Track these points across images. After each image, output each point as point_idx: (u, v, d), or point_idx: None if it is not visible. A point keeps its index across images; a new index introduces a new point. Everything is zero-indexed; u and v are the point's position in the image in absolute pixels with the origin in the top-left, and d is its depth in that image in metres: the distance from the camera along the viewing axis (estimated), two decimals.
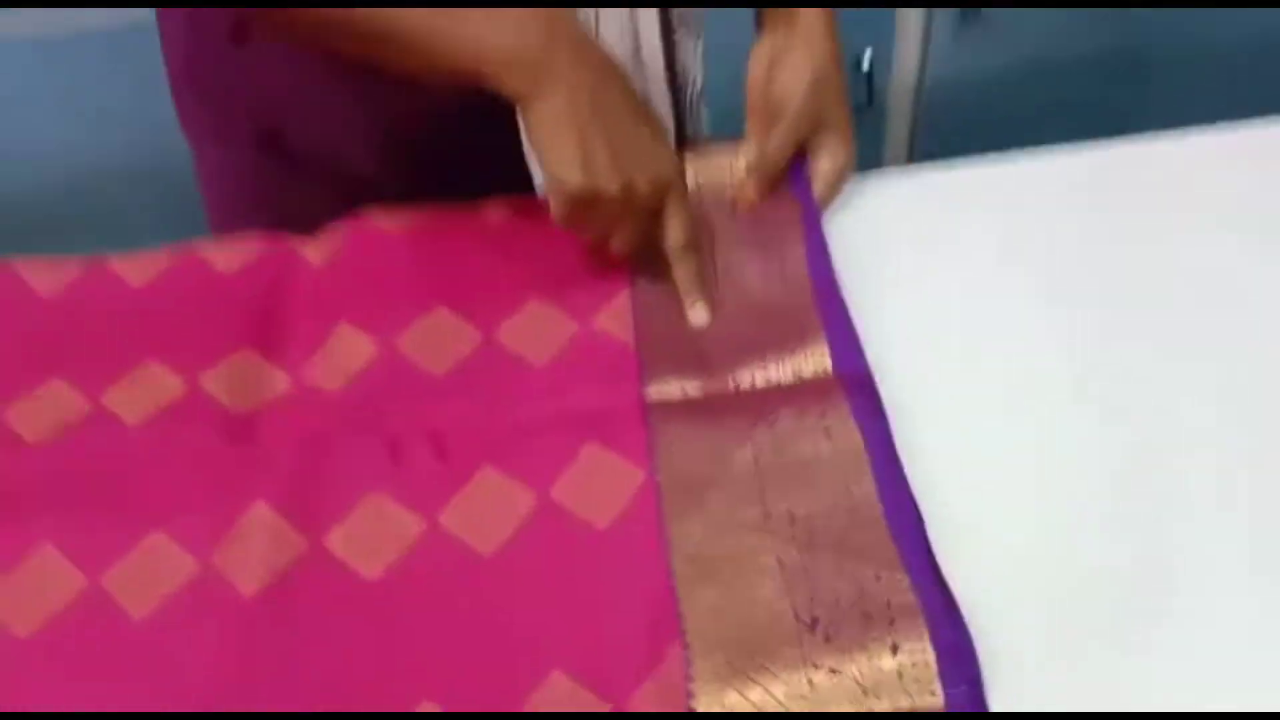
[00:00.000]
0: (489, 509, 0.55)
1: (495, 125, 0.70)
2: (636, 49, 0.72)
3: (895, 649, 0.47)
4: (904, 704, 0.46)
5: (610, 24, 0.70)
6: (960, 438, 0.57)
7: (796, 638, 0.48)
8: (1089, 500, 0.55)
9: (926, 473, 0.54)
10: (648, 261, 0.66)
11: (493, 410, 0.60)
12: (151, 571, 0.55)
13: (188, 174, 0.92)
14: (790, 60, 0.71)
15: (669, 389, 0.60)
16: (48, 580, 0.55)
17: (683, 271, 0.65)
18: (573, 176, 0.61)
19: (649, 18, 0.71)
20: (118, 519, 0.57)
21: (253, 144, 0.79)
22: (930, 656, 0.47)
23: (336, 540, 0.55)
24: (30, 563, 0.56)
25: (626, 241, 0.65)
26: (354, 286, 0.68)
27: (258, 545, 0.55)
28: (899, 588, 0.49)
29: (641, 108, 0.65)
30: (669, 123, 0.75)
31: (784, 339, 0.61)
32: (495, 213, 0.71)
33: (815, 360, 0.60)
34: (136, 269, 0.71)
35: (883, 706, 0.46)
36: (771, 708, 0.47)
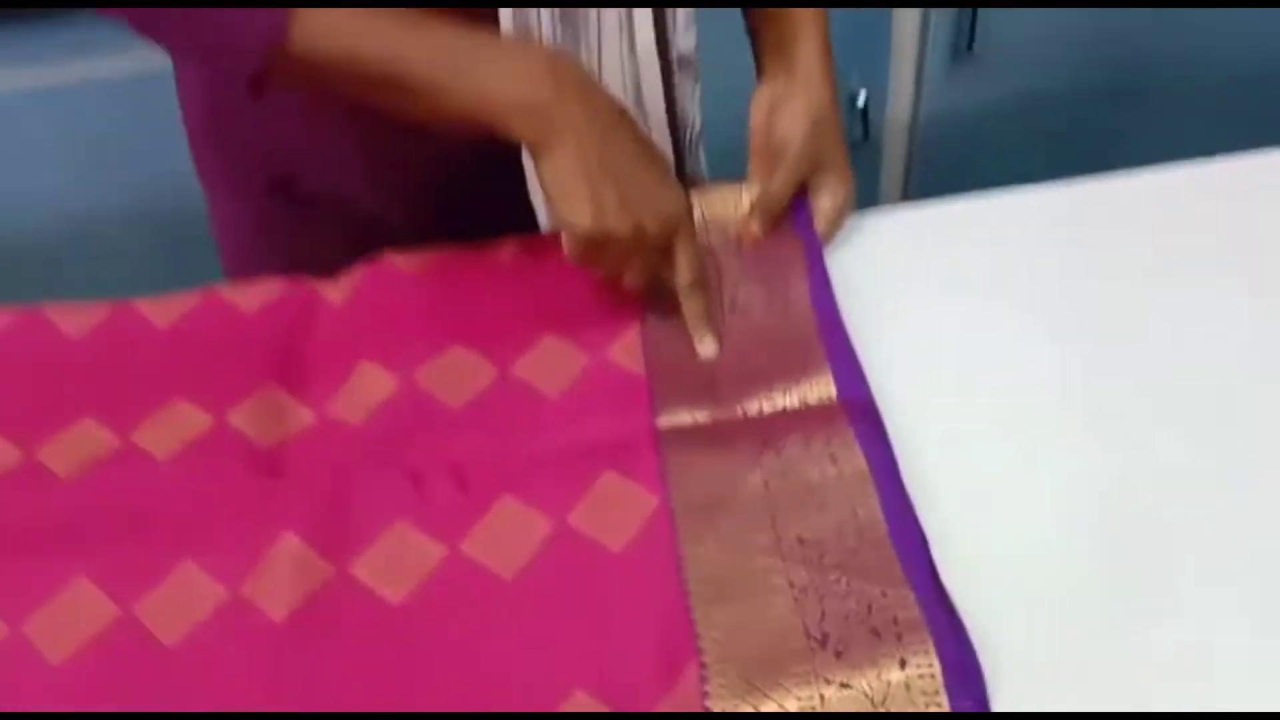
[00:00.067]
0: (509, 535, 0.57)
1: (504, 169, 0.72)
2: (638, 93, 0.74)
3: (903, 663, 0.49)
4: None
5: (612, 69, 0.72)
6: (960, 460, 0.59)
7: (808, 654, 0.50)
8: (1082, 516, 0.57)
9: (928, 494, 0.56)
10: (657, 297, 0.68)
11: (510, 441, 0.62)
12: (182, 600, 0.57)
13: (192, 220, 0.95)
14: (790, 106, 0.74)
15: (680, 418, 0.62)
16: (80, 610, 0.57)
17: (691, 307, 0.67)
18: (584, 220, 0.63)
19: (650, 64, 0.73)
20: (148, 550, 0.59)
21: (266, 191, 0.81)
22: (937, 669, 0.49)
23: (362, 567, 0.57)
24: (64, 594, 0.57)
25: (637, 278, 0.67)
26: (373, 325, 0.70)
27: (285, 573, 0.56)
28: (905, 604, 0.51)
29: (649, 149, 0.67)
30: (669, 163, 0.77)
31: (790, 368, 0.63)
32: (508, 252, 0.74)
33: (820, 388, 0.62)
34: (161, 311, 0.73)
35: None
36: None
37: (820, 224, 0.73)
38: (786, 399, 0.62)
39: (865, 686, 0.49)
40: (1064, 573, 0.55)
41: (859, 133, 1.44)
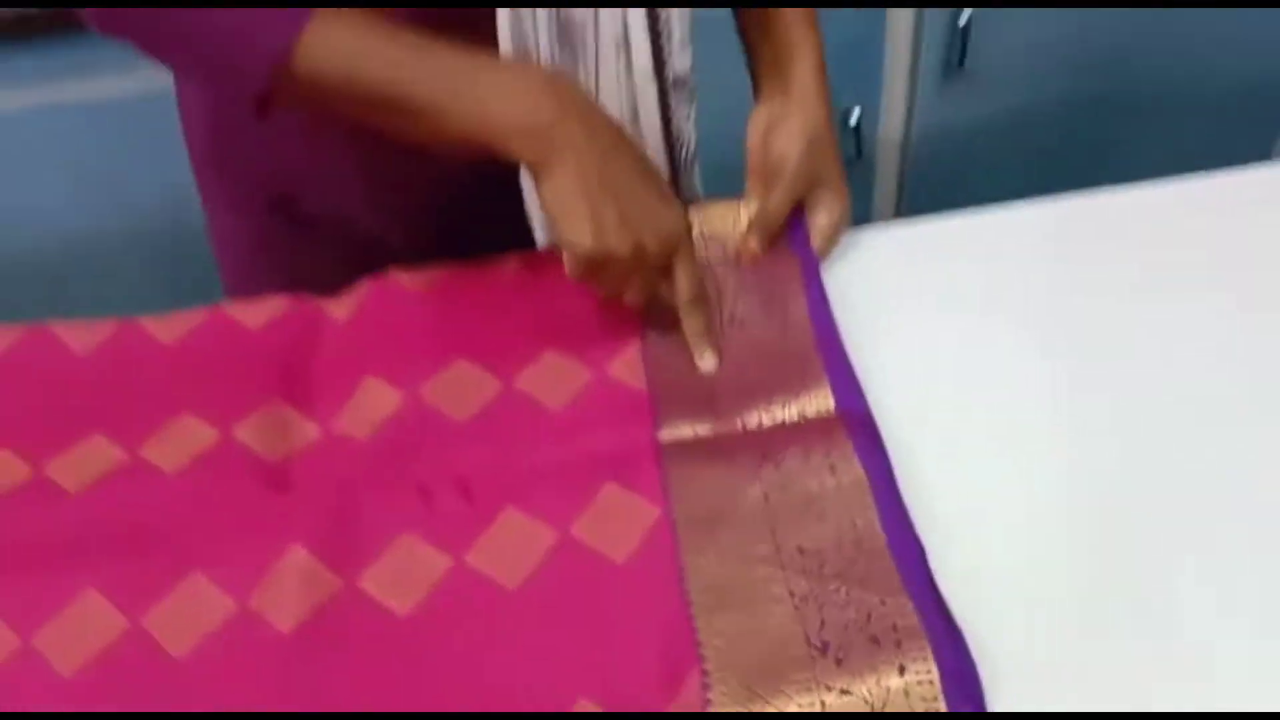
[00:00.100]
0: (513, 546, 0.58)
1: (503, 190, 0.73)
2: (635, 113, 0.75)
3: (902, 670, 0.50)
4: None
5: (610, 90, 0.73)
6: (955, 471, 0.61)
7: (809, 662, 0.51)
8: (1076, 525, 0.58)
9: (925, 505, 0.57)
10: (658, 312, 0.69)
11: (514, 454, 0.63)
12: (190, 612, 0.57)
13: (193, 239, 0.95)
14: (786, 125, 0.75)
15: (680, 431, 0.63)
16: (90, 622, 0.57)
17: (692, 323, 0.68)
18: (585, 240, 0.63)
19: (646, 85, 0.74)
20: (157, 563, 0.59)
21: (267, 209, 0.82)
22: (935, 676, 0.50)
23: (369, 580, 0.58)
24: (73, 607, 0.58)
25: (637, 295, 0.68)
26: (378, 341, 0.71)
27: (293, 586, 0.57)
28: (904, 612, 0.52)
29: (648, 169, 0.68)
30: (667, 182, 0.78)
31: (789, 382, 0.65)
32: (510, 268, 0.75)
33: (818, 401, 0.63)
34: (166, 327, 0.74)
35: None
36: None
37: (817, 240, 0.74)
38: (785, 412, 0.63)
39: (865, 693, 0.50)
40: (1059, 581, 0.56)
41: (852, 150, 1.45)
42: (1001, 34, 1.43)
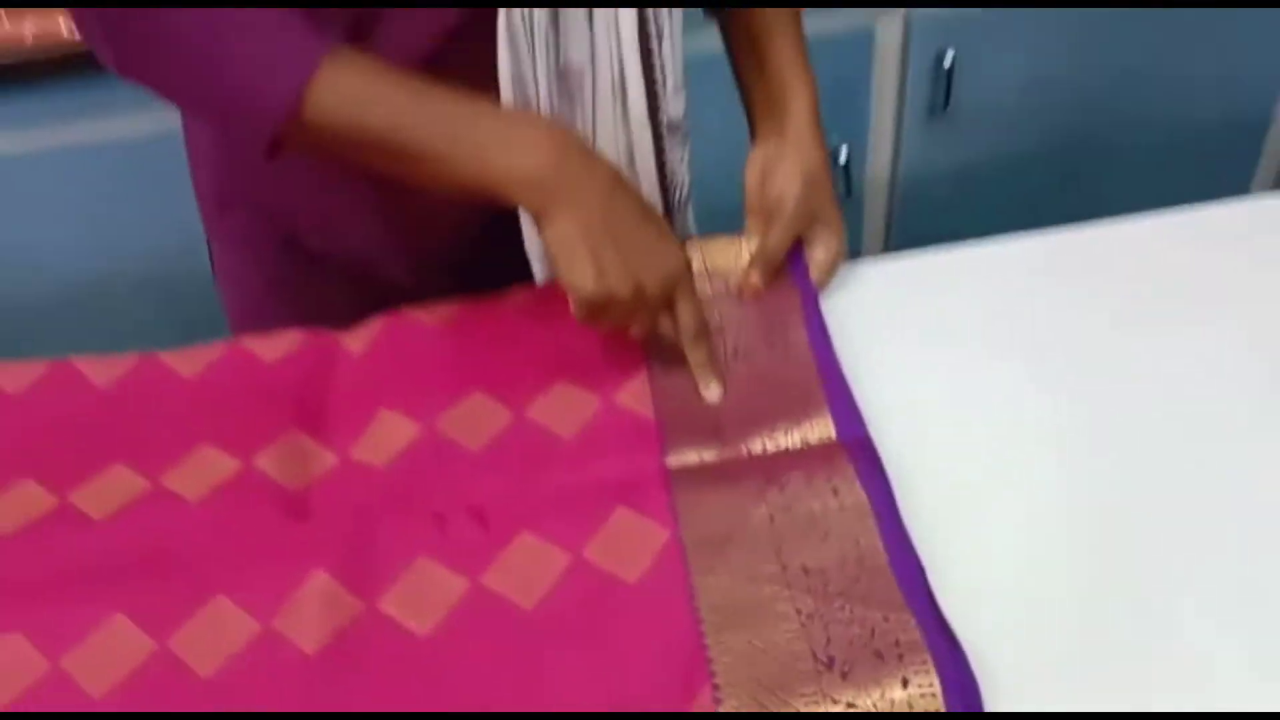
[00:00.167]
0: (528, 569, 0.60)
1: (511, 226, 0.76)
2: (630, 156, 0.77)
3: (905, 682, 0.52)
4: None
5: (606, 134, 0.76)
6: (952, 493, 0.63)
7: (815, 676, 0.53)
8: (1069, 543, 0.61)
9: (924, 525, 0.60)
10: (662, 346, 0.72)
11: (527, 482, 0.66)
12: (216, 634, 0.59)
13: (199, 281, 0.97)
14: (783, 167, 0.78)
15: (688, 457, 0.66)
16: (118, 645, 0.59)
17: (695, 355, 0.70)
18: (587, 284, 0.65)
19: (641, 129, 0.76)
20: (182, 587, 0.61)
21: (275, 247, 0.84)
22: (937, 688, 0.52)
23: (389, 602, 0.60)
24: (101, 630, 0.59)
25: (642, 331, 0.70)
26: (392, 374, 0.73)
27: (316, 608, 0.59)
28: (906, 627, 0.54)
29: (647, 210, 0.70)
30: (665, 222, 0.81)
31: (791, 410, 0.67)
32: (519, 302, 0.77)
33: (820, 428, 0.66)
34: (185, 361, 0.76)
35: None
36: None
37: (815, 274, 0.77)
38: (788, 439, 0.66)
39: (870, 705, 0.52)
40: (1053, 596, 0.58)
41: (841, 188, 1.48)
42: (984, 76, 1.47)
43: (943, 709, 0.52)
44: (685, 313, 0.69)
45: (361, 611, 0.60)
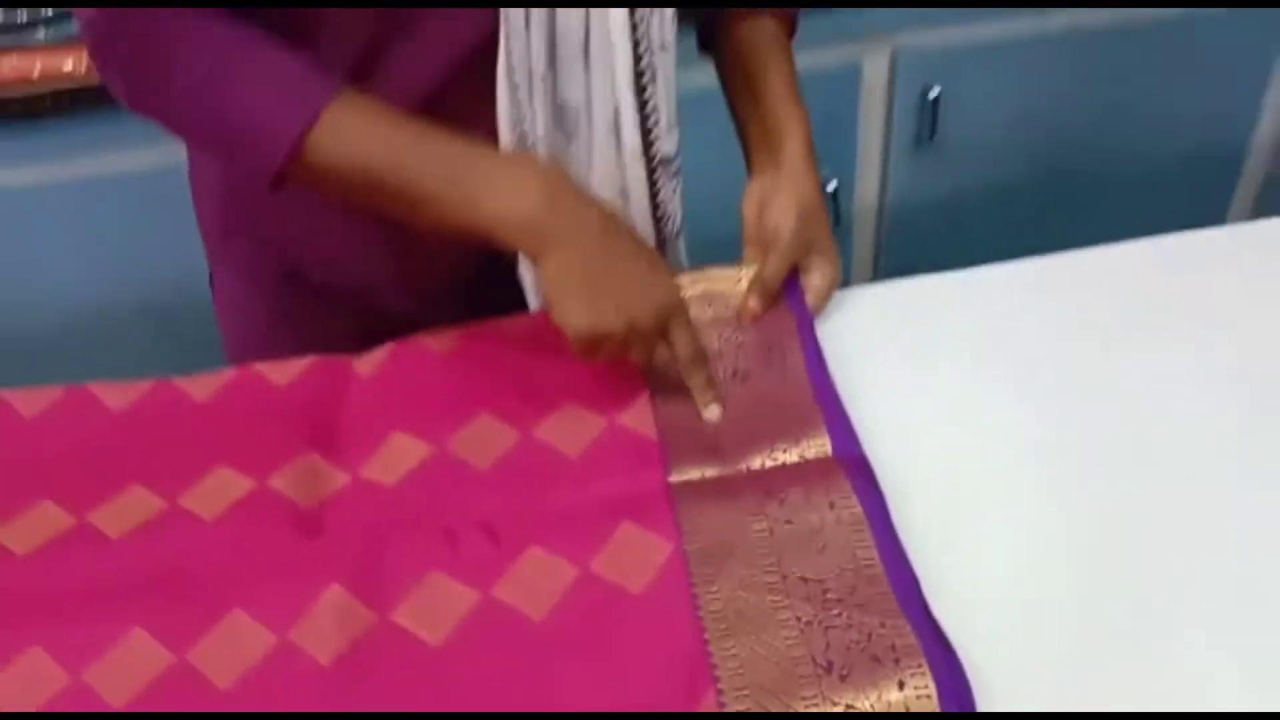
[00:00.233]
0: (537, 581, 0.62)
1: (510, 259, 0.79)
2: (624, 190, 0.80)
3: (901, 685, 0.55)
4: None
5: (602, 169, 0.78)
6: (942, 505, 0.66)
7: (816, 679, 0.56)
8: (1055, 549, 0.64)
9: (916, 537, 0.62)
10: (662, 373, 0.74)
11: (535, 498, 0.68)
12: (234, 647, 0.61)
13: (199, 315, 0.98)
14: (779, 199, 0.80)
15: (689, 475, 0.68)
16: (138, 658, 0.60)
17: (694, 380, 0.72)
18: (581, 323, 0.68)
19: (635, 164, 0.79)
20: (199, 602, 0.63)
21: (277, 278, 0.86)
22: (932, 690, 0.54)
23: (402, 613, 0.62)
24: (121, 644, 0.61)
25: (640, 360, 0.72)
26: (402, 397, 0.75)
27: (330, 621, 0.61)
28: (901, 633, 0.57)
29: (638, 245, 0.71)
30: (658, 255, 0.82)
31: (789, 429, 0.70)
32: (523, 328, 0.80)
33: (817, 446, 0.68)
34: (198, 385, 0.78)
35: None
36: None
37: (811, 300, 0.80)
38: (787, 456, 0.68)
39: (868, 706, 0.54)
40: (1042, 603, 0.61)
41: (831, 218, 1.51)
42: (968, 110, 1.50)
43: (938, 710, 0.54)
44: (680, 341, 0.71)
45: (375, 623, 0.61)
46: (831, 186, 1.48)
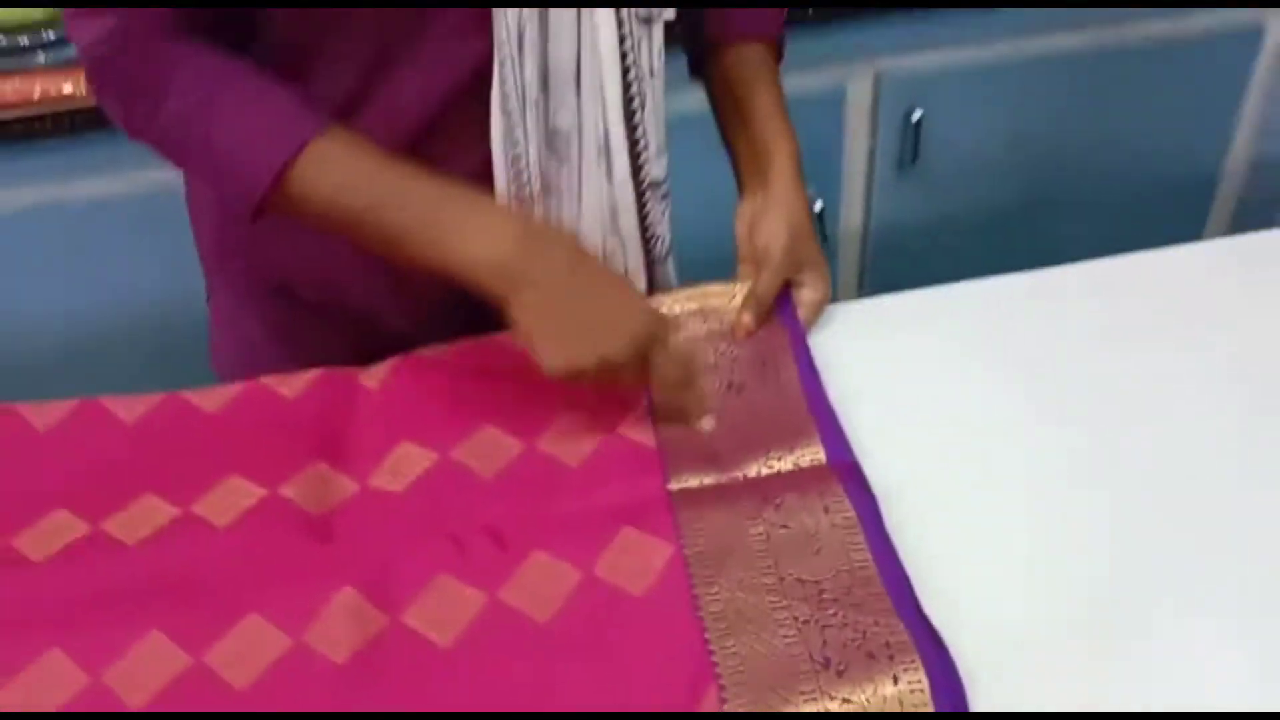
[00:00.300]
0: (542, 584, 0.64)
1: None
2: (614, 214, 0.82)
3: (896, 679, 0.57)
4: None
5: (592, 193, 0.80)
6: (932, 509, 0.69)
7: (813, 675, 0.58)
8: (1043, 548, 0.66)
9: (908, 540, 0.65)
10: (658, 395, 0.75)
11: (539, 506, 0.70)
12: (249, 648, 0.62)
13: (190, 336, 1.00)
14: (769, 219, 0.83)
15: (688, 482, 0.71)
16: (156, 660, 0.62)
17: (683, 401, 0.74)
18: (557, 364, 0.69)
19: (625, 188, 0.81)
20: (214, 606, 0.64)
21: (274, 298, 0.87)
22: (925, 684, 0.57)
23: (412, 615, 0.64)
24: (139, 647, 0.62)
25: (626, 386, 0.74)
26: (407, 409, 0.77)
27: (343, 622, 0.63)
28: (895, 630, 0.59)
29: (610, 280, 0.73)
30: (641, 275, 0.85)
31: (784, 438, 0.72)
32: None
33: (811, 454, 0.71)
34: (208, 398, 0.80)
35: None
36: None
37: (803, 314, 0.83)
38: (782, 463, 0.71)
39: (864, 700, 0.57)
40: (1030, 600, 0.64)
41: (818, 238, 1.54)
42: (950, 133, 1.53)
43: (930, 703, 0.56)
44: (662, 367, 0.72)
45: (386, 625, 0.63)
46: (817, 208, 1.51)
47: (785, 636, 0.60)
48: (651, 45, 0.78)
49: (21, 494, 0.73)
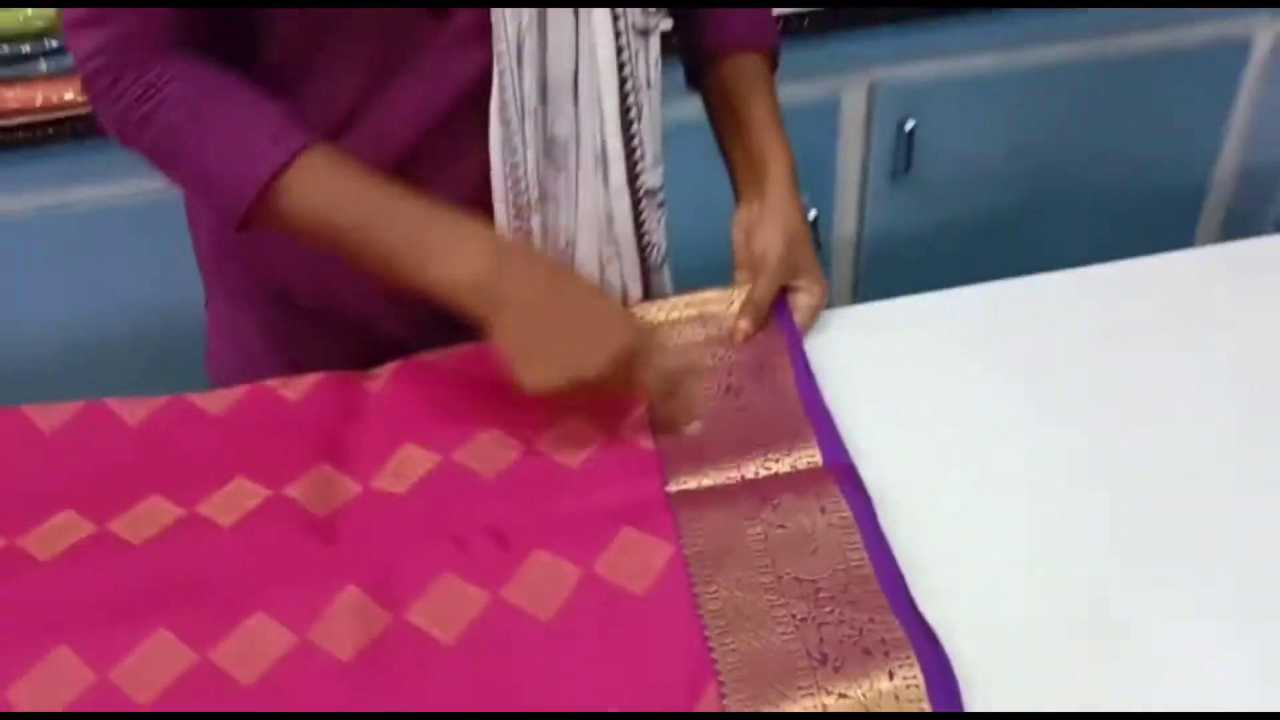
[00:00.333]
0: (544, 583, 0.65)
1: None
2: (610, 221, 0.83)
3: (891, 675, 0.58)
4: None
5: (589, 201, 0.81)
6: (926, 508, 0.70)
7: (811, 671, 0.59)
8: (1035, 546, 0.68)
9: (902, 540, 0.66)
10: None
11: (539, 507, 0.71)
12: (255, 645, 0.63)
13: (188, 342, 1.01)
14: (765, 226, 0.85)
15: (687, 484, 0.72)
16: (163, 657, 0.63)
17: (670, 410, 0.75)
18: (535, 383, 0.70)
19: (621, 196, 0.82)
20: (220, 605, 0.65)
21: (272, 304, 0.88)
22: (920, 679, 0.58)
23: (415, 613, 0.64)
24: (146, 644, 0.63)
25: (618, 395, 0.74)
26: (409, 413, 0.78)
27: (348, 620, 0.64)
28: (891, 627, 0.60)
29: (590, 297, 0.73)
30: (637, 282, 0.87)
31: (781, 440, 0.73)
32: None
33: (808, 455, 0.72)
34: (212, 400, 0.81)
35: None
36: None
37: (799, 319, 0.84)
38: (779, 465, 0.72)
39: (860, 695, 0.58)
40: (1026, 600, 0.65)
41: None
42: (942, 143, 1.54)
43: (925, 698, 0.58)
44: (648, 379, 0.73)
45: (390, 622, 0.64)
46: (811, 216, 1.52)
47: (783, 634, 0.61)
48: (648, 56, 0.80)
49: (28, 495, 0.74)
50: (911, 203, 1.60)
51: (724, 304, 0.84)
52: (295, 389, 0.81)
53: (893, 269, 1.61)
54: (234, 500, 0.73)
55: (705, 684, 0.60)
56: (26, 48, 1.29)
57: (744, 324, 0.82)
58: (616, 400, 0.77)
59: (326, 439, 0.77)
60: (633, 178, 0.82)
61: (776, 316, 0.84)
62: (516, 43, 0.73)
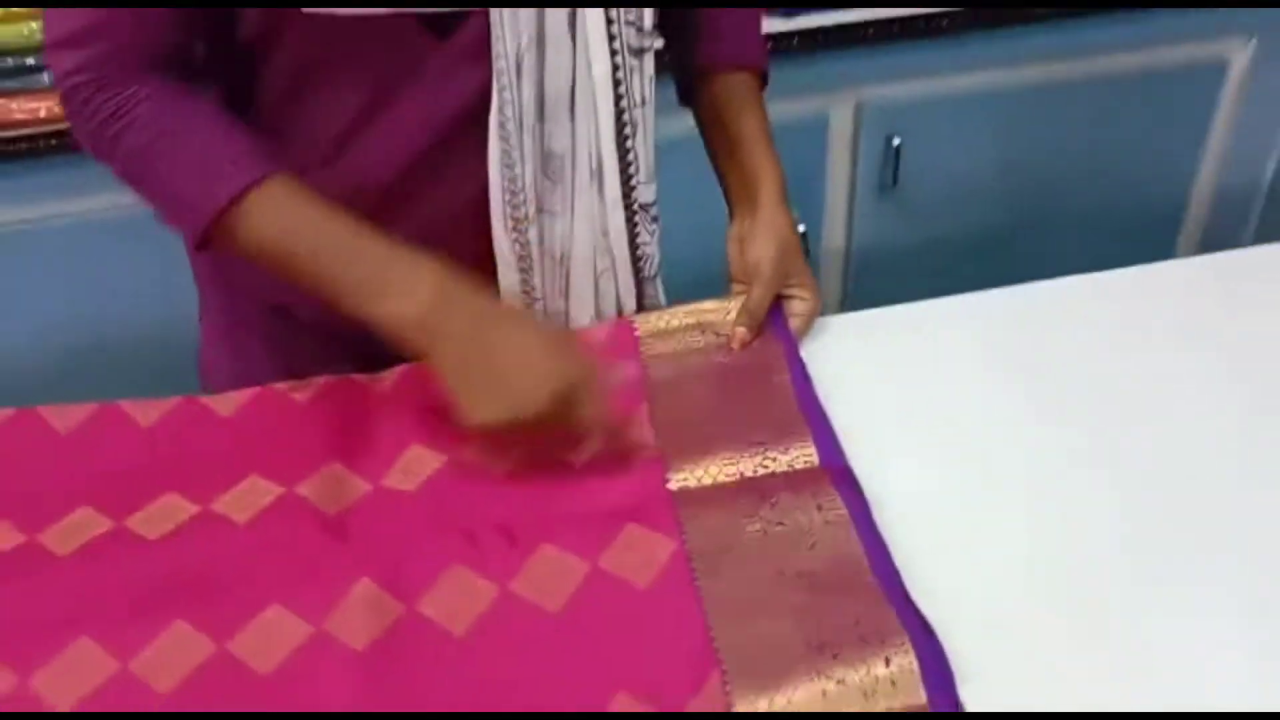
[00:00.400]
0: (551, 577, 0.68)
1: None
2: (605, 235, 0.85)
3: (888, 661, 0.61)
4: (896, 704, 0.60)
5: (584, 214, 0.83)
6: (918, 505, 0.72)
7: (810, 658, 0.62)
8: (1025, 541, 0.70)
9: (896, 536, 0.69)
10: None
11: (546, 504, 0.73)
12: (272, 636, 0.65)
13: (185, 354, 1.03)
14: (758, 238, 0.87)
15: (687, 483, 0.74)
16: (182, 648, 0.65)
17: (619, 445, 0.76)
18: (474, 416, 0.72)
19: (615, 211, 0.84)
20: (236, 598, 0.67)
21: (264, 313, 0.90)
22: (915, 666, 0.60)
23: (427, 605, 0.67)
24: (164, 636, 0.65)
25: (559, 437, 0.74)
26: (417, 414, 0.80)
27: (362, 611, 0.66)
28: (886, 617, 0.63)
29: (531, 334, 0.74)
30: (631, 293, 0.89)
31: (778, 441, 0.76)
32: None
33: (805, 456, 0.75)
34: (222, 402, 0.83)
35: (880, 706, 0.60)
36: (796, 709, 0.60)
37: (794, 325, 0.87)
38: (776, 464, 0.75)
39: (857, 680, 0.60)
40: (1020, 596, 0.67)
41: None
42: (929, 158, 1.57)
43: (920, 684, 0.60)
44: (584, 416, 0.73)
45: (403, 614, 0.66)
46: (800, 230, 1.55)
47: (783, 624, 0.64)
48: (643, 74, 0.82)
49: (45, 493, 0.76)
50: (898, 217, 1.62)
51: (721, 313, 0.87)
52: (304, 391, 0.83)
53: (880, 282, 1.64)
54: (247, 498, 0.75)
55: (709, 672, 0.62)
56: (31, 60, 1.31)
57: (741, 331, 0.85)
58: (619, 400, 0.79)
59: (337, 439, 0.79)
60: (627, 192, 0.84)
61: (772, 323, 0.87)
62: (516, 61, 0.75)
